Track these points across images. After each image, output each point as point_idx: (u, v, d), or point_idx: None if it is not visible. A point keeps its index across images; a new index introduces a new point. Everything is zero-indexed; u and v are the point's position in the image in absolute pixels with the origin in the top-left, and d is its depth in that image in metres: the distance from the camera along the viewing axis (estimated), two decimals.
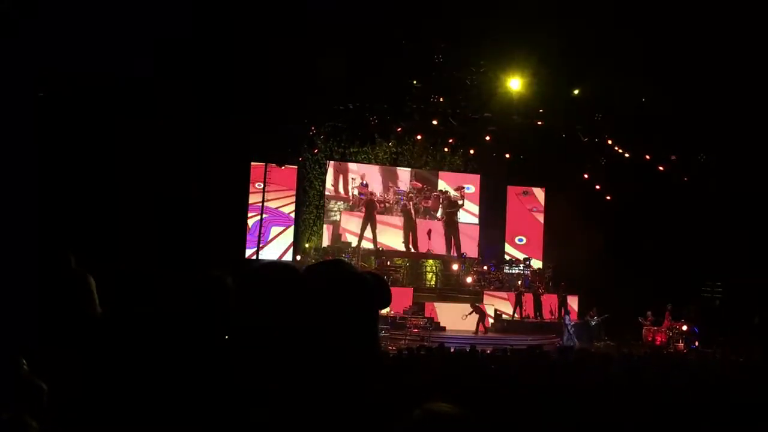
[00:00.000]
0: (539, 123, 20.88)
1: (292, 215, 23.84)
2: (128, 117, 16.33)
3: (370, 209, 24.68)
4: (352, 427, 1.60)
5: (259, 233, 21.52)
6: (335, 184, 24.79)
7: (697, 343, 20.70)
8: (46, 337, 2.73)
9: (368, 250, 24.24)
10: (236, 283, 2.43)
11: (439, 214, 25.66)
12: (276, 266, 1.90)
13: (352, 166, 24.95)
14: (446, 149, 24.96)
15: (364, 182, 24.88)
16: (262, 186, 21.82)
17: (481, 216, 26.10)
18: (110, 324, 2.85)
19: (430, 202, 25.57)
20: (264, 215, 21.74)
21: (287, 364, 1.64)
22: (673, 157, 21.53)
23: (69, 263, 3.29)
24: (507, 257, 25.63)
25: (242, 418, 1.67)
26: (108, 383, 2.52)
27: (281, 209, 23.61)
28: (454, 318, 21.55)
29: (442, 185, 25.78)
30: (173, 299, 2.69)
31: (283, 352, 1.65)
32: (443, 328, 21.20)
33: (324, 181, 24.58)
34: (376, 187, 25.10)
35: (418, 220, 25.27)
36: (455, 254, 25.22)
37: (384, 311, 20.18)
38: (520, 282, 23.65)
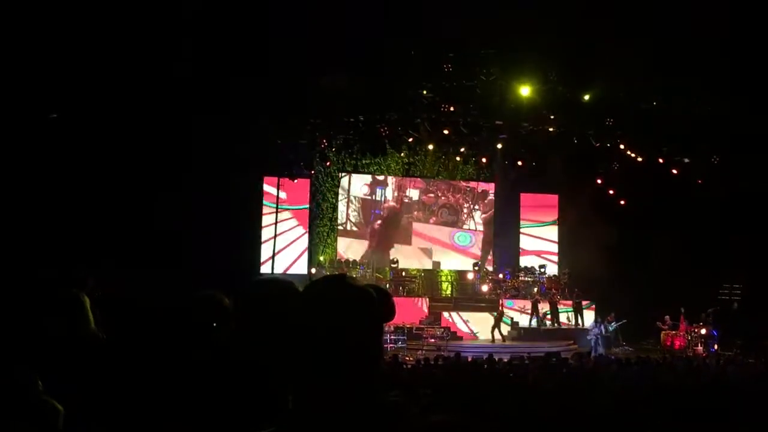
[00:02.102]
0: (550, 129, 20.83)
1: (306, 228, 23.88)
2: (139, 131, 16.43)
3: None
4: None
5: (273, 247, 21.56)
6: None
7: (716, 347, 20.51)
8: (48, 357, 2.75)
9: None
10: (234, 300, 2.44)
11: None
12: (273, 283, 1.92)
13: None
14: (458, 158, 24.93)
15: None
16: (275, 199, 21.89)
17: (495, 224, 26.07)
18: (107, 342, 2.87)
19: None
20: (278, 229, 21.83)
21: (291, 379, 1.65)
22: (687, 160, 21.41)
23: (85, 284, 3.33)
24: (522, 265, 25.61)
25: None
26: (108, 400, 2.53)
27: (295, 222, 23.66)
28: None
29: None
30: (171, 319, 2.71)
31: (286, 368, 1.66)
32: (460, 338, 21.14)
33: (337, 194, 24.62)
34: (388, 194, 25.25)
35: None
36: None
37: (400, 322, 20.17)
38: (536, 289, 23.55)
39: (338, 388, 1.61)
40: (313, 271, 22.78)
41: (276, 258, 21.72)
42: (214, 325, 2.58)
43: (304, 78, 16.59)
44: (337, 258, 23.97)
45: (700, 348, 20.65)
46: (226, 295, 2.73)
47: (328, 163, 23.93)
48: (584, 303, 22.68)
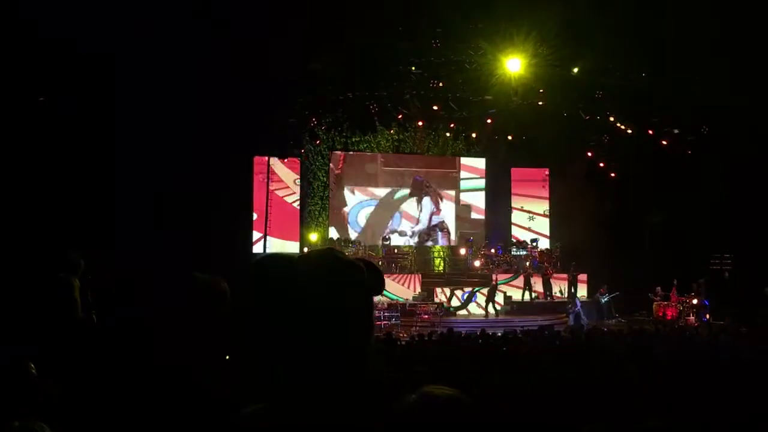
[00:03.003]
0: (540, 103, 20.78)
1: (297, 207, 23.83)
2: (129, 111, 16.31)
3: None
4: (352, 415, 1.59)
5: (265, 227, 21.52)
6: None
7: (708, 316, 20.65)
8: (41, 341, 2.75)
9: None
10: (235, 279, 2.42)
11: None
12: (273, 259, 1.89)
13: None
14: (448, 134, 24.89)
15: None
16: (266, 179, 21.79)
17: (486, 199, 26.08)
18: (94, 328, 2.86)
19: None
20: (269, 208, 21.78)
21: (285, 356, 1.63)
22: (676, 131, 21.40)
23: (77, 268, 3.29)
24: (513, 239, 25.66)
25: (240, 415, 1.66)
26: (100, 388, 2.52)
27: (286, 200, 23.59)
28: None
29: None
30: (168, 300, 2.69)
31: (280, 345, 1.63)
32: (453, 313, 21.23)
33: (328, 172, 24.53)
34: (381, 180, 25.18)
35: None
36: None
37: (393, 298, 20.24)
38: (528, 263, 23.63)
39: (330, 362, 1.60)
40: (305, 250, 22.79)
41: (266, 237, 21.72)
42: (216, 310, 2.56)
43: (294, 56, 16.47)
44: (329, 236, 23.97)
45: (692, 318, 20.81)
46: (223, 277, 2.71)
47: (317, 142, 23.85)
48: (579, 276, 22.79)
